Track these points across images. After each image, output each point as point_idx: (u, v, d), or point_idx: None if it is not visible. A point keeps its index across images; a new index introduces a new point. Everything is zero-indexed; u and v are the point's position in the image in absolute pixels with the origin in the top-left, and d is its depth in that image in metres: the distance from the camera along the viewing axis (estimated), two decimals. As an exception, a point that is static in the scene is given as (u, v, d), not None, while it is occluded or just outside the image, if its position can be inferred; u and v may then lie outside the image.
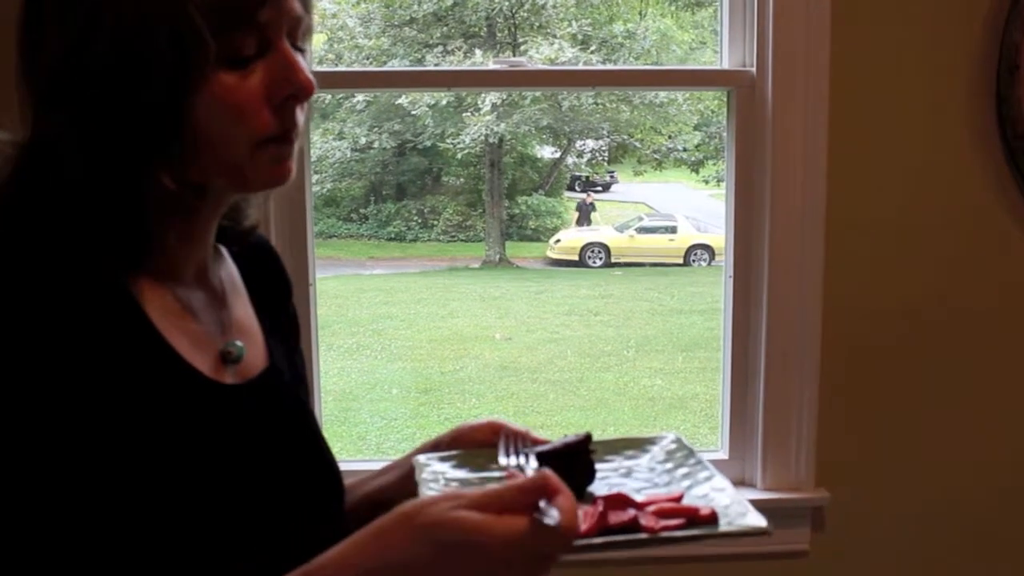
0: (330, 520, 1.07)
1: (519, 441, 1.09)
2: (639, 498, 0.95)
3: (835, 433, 2.23)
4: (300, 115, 0.93)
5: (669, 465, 1.09)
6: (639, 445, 1.14)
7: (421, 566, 0.80)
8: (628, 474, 1.09)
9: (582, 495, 1.00)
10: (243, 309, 1.08)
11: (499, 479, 1.05)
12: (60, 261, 0.87)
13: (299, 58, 0.93)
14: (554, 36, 9.64)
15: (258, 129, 0.89)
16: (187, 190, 0.91)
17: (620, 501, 0.92)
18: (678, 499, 0.98)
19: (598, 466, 1.07)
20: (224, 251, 1.09)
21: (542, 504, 0.81)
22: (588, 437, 1.05)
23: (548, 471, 0.83)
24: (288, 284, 1.21)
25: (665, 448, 1.12)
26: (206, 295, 1.01)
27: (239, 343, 1.01)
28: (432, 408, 6.89)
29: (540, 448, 1.06)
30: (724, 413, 2.31)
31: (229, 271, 1.08)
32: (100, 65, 0.85)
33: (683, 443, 1.12)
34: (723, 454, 2.30)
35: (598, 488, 1.03)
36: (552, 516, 0.80)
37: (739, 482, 2.27)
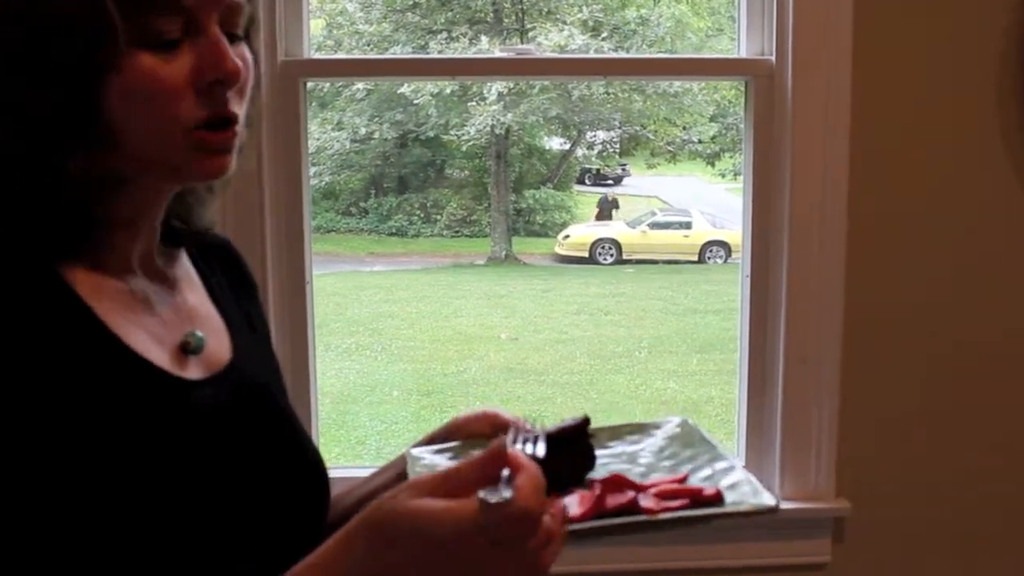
0: (312, 515, 1.07)
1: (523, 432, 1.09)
2: (641, 481, 0.94)
3: (857, 440, 2.23)
4: (236, 103, 0.93)
5: (675, 448, 1.08)
6: (644, 430, 1.13)
7: (382, 568, 0.80)
8: (632, 459, 1.08)
9: (581, 482, 0.99)
10: (199, 300, 1.08)
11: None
12: None
13: (242, 46, 0.94)
14: (564, 22, 9.63)
15: (181, 115, 0.89)
16: (115, 178, 0.91)
17: (618, 483, 0.91)
18: (682, 480, 0.97)
19: (600, 452, 1.05)
20: (179, 249, 1.09)
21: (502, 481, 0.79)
22: (586, 420, 1.04)
23: (508, 447, 0.81)
24: (253, 282, 1.22)
25: (669, 432, 1.11)
26: (157, 285, 1.01)
27: (199, 333, 1.01)
28: (434, 411, 6.88)
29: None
30: (740, 418, 2.31)
31: (182, 264, 1.08)
32: (6, 53, 0.86)
33: (689, 424, 1.11)
34: (739, 461, 2.30)
35: (599, 475, 1.03)
36: (500, 494, 0.77)
37: (756, 491, 2.27)
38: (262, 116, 1.06)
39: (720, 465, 1.00)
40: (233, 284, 1.17)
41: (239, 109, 0.94)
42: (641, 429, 1.13)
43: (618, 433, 1.12)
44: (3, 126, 0.87)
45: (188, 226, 1.07)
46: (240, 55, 0.93)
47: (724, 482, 0.95)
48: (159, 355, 0.96)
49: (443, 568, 0.78)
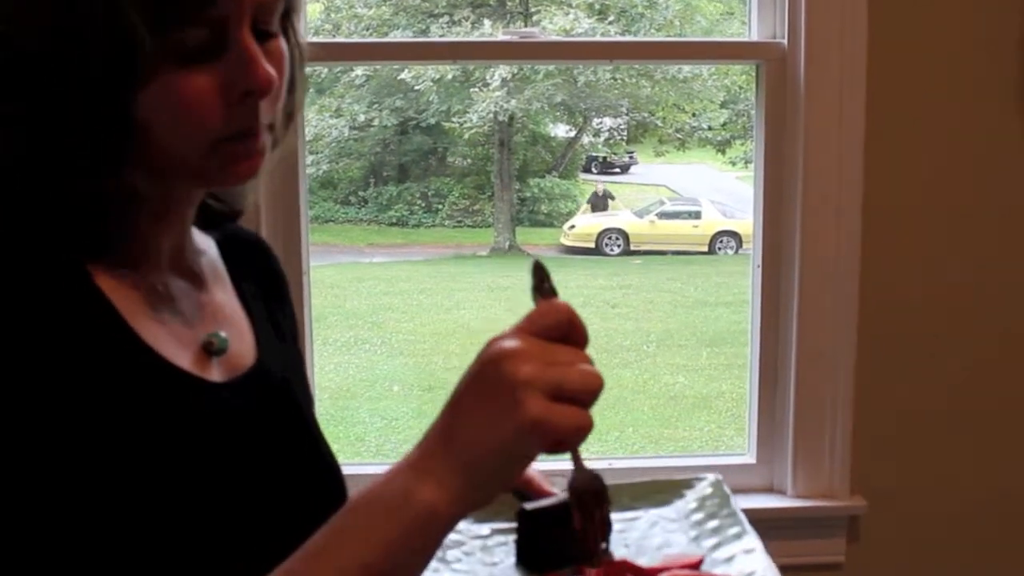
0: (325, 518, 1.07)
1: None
2: (657, 557, 0.93)
3: (872, 436, 2.23)
4: (267, 108, 0.92)
5: (700, 515, 1.05)
6: (674, 489, 1.11)
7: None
8: (654, 524, 1.06)
9: (595, 553, 0.98)
10: (226, 299, 1.08)
11: (509, 530, 1.04)
12: (16, 256, 0.87)
13: (278, 41, 0.93)
14: (569, 5, 9.62)
15: (209, 128, 0.89)
16: (145, 184, 0.91)
17: (623, 570, 0.90)
18: (696, 564, 0.95)
19: (623, 515, 1.03)
20: (208, 240, 1.09)
21: None
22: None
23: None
24: (285, 282, 1.22)
25: (700, 494, 1.09)
26: (183, 281, 1.01)
27: (222, 334, 1.01)
28: (436, 407, 6.77)
29: (543, 502, 1.01)
30: (752, 414, 2.31)
31: (211, 259, 1.08)
32: (31, 64, 0.85)
33: (721, 489, 1.09)
34: (750, 458, 2.30)
35: (617, 543, 1.00)
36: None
37: (768, 489, 2.27)
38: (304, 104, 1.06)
39: (744, 544, 0.99)
40: (262, 283, 1.17)
41: (271, 115, 0.94)
42: (670, 488, 1.11)
43: (643, 492, 1.10)
44: (36, 140, 0.87)
45: (225, 205, 1.08)
46: (275, 52, 0.93)
47: (741, 567, 0.94)
48: (181, 355, 0.96)
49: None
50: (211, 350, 0.99)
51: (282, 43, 0.94)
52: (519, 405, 0.77)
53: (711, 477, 1.11)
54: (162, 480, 0.88)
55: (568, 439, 0.79)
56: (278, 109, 0.95)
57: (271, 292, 1.18)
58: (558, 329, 0.82)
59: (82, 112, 0.86)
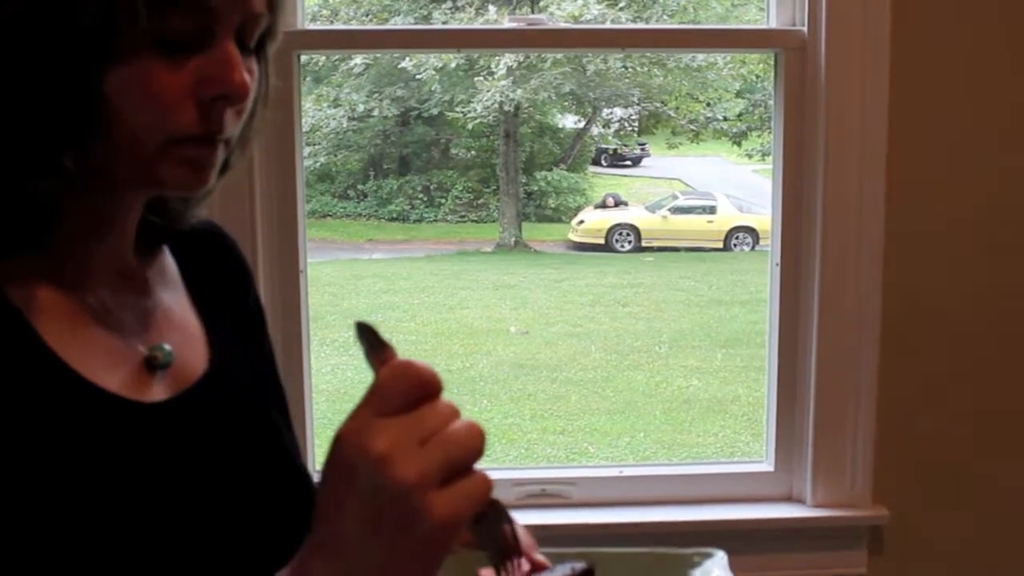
0: (295, 537, 1.06)
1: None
2: None
3: (895, 443, 2.22)
4: (231, 121, 0.92)
5: None
6: (674, 567, 1.09)
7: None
8: None
9: None
10: (175, 303, 1.05)
11: None
12: None
13: (251, 59, 0.93)
14: (578, -10, 9.62)
15: (171, 123, 0.88)
16: (89, 175, 0.90)
17: None
18: None
19: None
20: (162, 245, 1.07)
21: None
22: (589, 572, 0.98)
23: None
24: (246, 271, 1.19)
25: (709, 572, 1.09)
26: (125, 292, 0.99)
27: (167, 346, 0.98)
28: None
29: None
30: (769, 418, 2.30)
31: (160, 261, 1.06)
32: (10, 28, 0.84)
33: (725, 572, 1.09)
34: (768, 465, 2.30)
35: None
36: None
37: (786, 498, 2.27)
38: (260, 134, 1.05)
39: None
40: (220, 277, 1.14)
41: (233, 128, 0.93)
42: (671, 565, 1.09)
43: (641, 568, 1.09)
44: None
45: (165, 222, 1.05)
46: (250, 70, 0.92)
47: None
48: (115, 375, 0.93)
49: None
50: (155, 364, 0.97)
51: (254, 62, 0.94)
52: (420, 514, 0.70)
53: (717, 556, 1.10)
54: (88, 510, 0.86)
55: (479, 509, 0.74)
56: (236, 131, 0.94)
57: (231, 285, 1.15)
58: (413, 393, 0.73)
59: (46, 81, 0.84)
